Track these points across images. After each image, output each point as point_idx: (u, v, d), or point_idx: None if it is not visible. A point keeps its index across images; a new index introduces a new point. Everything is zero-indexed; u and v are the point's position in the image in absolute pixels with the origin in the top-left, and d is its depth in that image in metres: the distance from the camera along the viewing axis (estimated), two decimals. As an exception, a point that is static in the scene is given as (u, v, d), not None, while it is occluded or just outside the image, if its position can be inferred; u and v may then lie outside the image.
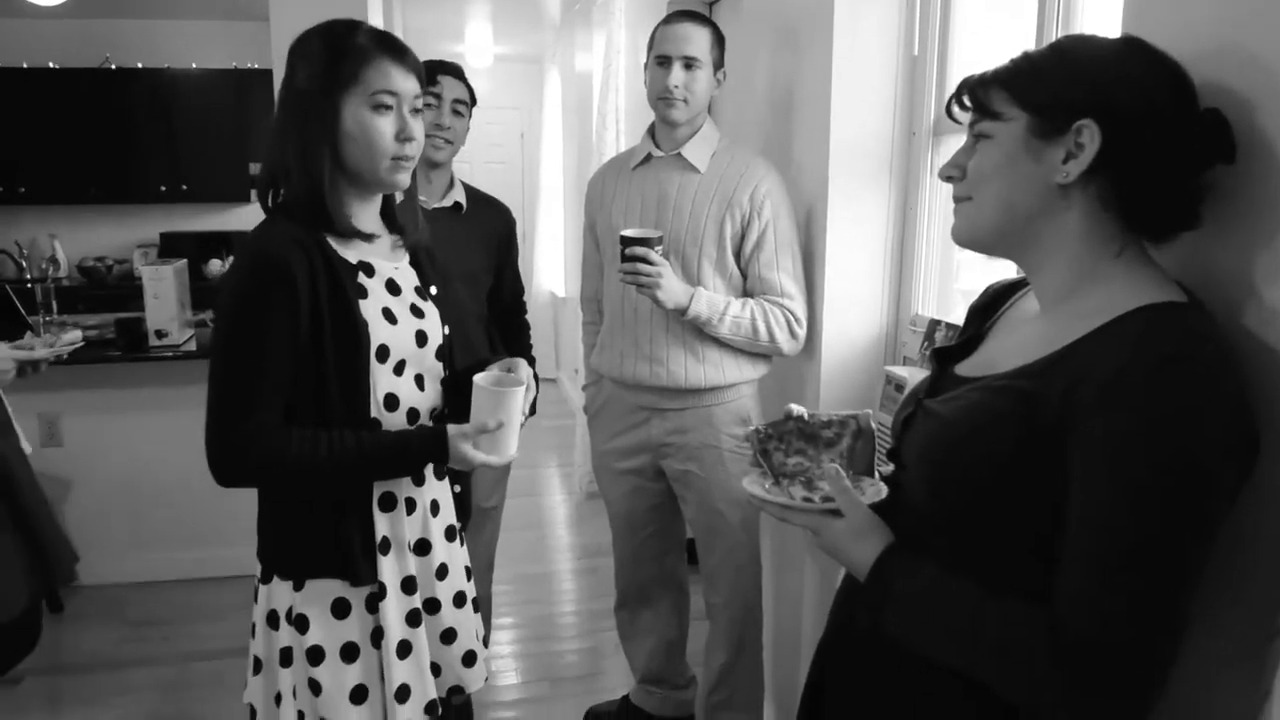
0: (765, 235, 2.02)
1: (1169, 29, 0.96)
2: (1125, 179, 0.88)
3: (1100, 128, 0.86)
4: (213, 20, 5.78)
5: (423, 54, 1.49)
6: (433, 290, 1.52)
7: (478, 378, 1.39)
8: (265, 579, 1.42)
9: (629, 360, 2.13)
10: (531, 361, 2.56)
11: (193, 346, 3.39)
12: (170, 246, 5.53)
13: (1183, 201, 0.89)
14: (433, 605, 1.48)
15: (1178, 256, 0.94)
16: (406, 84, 1.34)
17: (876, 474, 1.17)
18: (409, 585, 1.44)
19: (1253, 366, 0.86)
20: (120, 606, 3.42)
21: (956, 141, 1.05)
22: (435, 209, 2.28)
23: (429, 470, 1.46)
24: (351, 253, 1.39)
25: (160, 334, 3.31)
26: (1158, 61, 0.89)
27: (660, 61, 2.04)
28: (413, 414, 1.43)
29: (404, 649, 1.42)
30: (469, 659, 1.54)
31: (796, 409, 1.14)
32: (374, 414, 1.37)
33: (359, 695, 1.40)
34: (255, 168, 1.42)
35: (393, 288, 1.43)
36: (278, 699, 1.41)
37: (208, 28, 5.82)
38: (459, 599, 1.53)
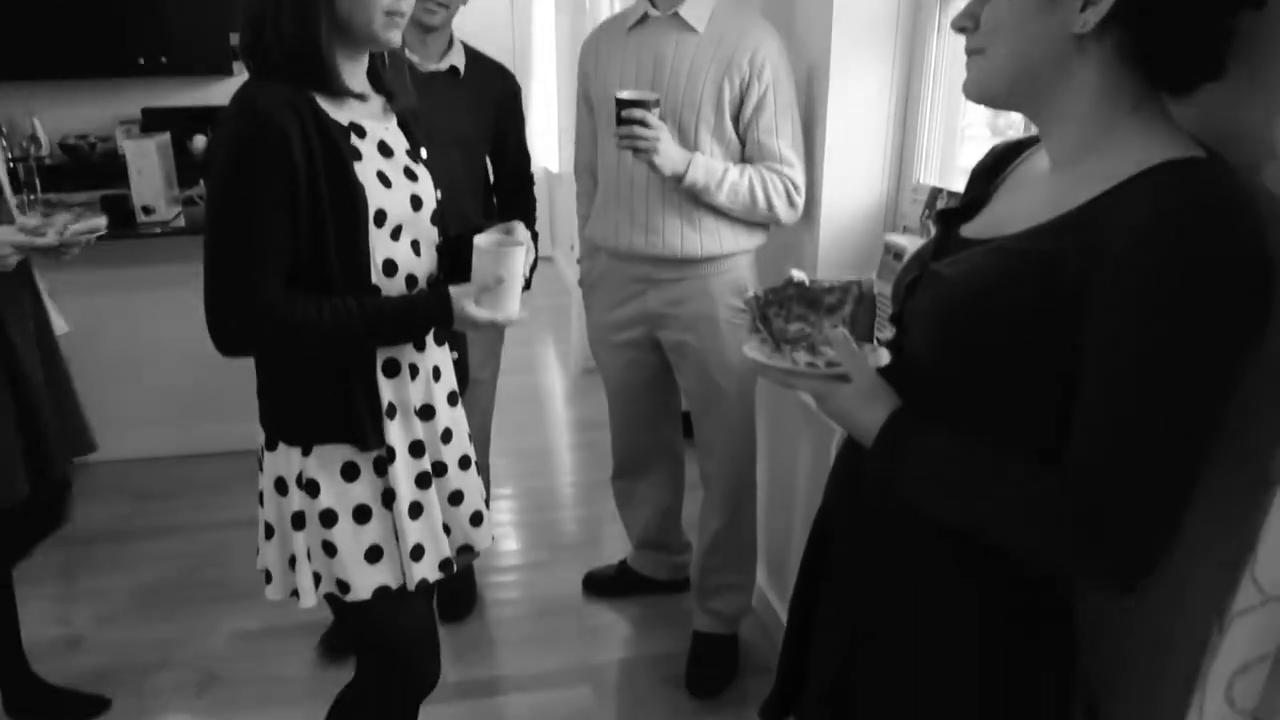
0: (765, 100, 1.96)
1: None
2: (1146, 25, 0.84)
3: None
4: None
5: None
6: (422, 153, 1.49)
7: (478, 239, 1.37)
8: (270, 446, 1.43)
9: (624, 230, 2.10)
10: (534, 236, 2.53)
11: (182, 223, 3.34)
12: (153, 122, 5.35)
13: (1206, 48, 0.85)
14: (440, 468, 1.51)
15: (1196, 113, 0.91)
16: None
17: (875, 339, 1.16)
18: (416, 449, 1.46)
19: (1276, 227, 0.83)
20: (125, 481, 3.48)
21: (966, -3, 1.00)
22: (431, 72, 2.20)
23: (430, 336, 1.47)
24: (342, 114, 1.35)
25: (147, 210, 3.25)
26: None
27: None
28: (411, 280, 1.42)
29: (415, 510, 1.46)
30: (476, 519, 1.58)
31: (797, 274, 1.12)
32: (373, 280, 1.36)
33: (374, 555, 1.43)
34: (237, 38, 1.36)
35: (385, 150, 1.39)
36: (291, 562, 1.44)
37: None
38: (464, 462, 1.56)
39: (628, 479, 2.58)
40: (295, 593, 1.45)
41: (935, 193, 1.82)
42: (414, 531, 1.45)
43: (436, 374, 1.51)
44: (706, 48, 1.97)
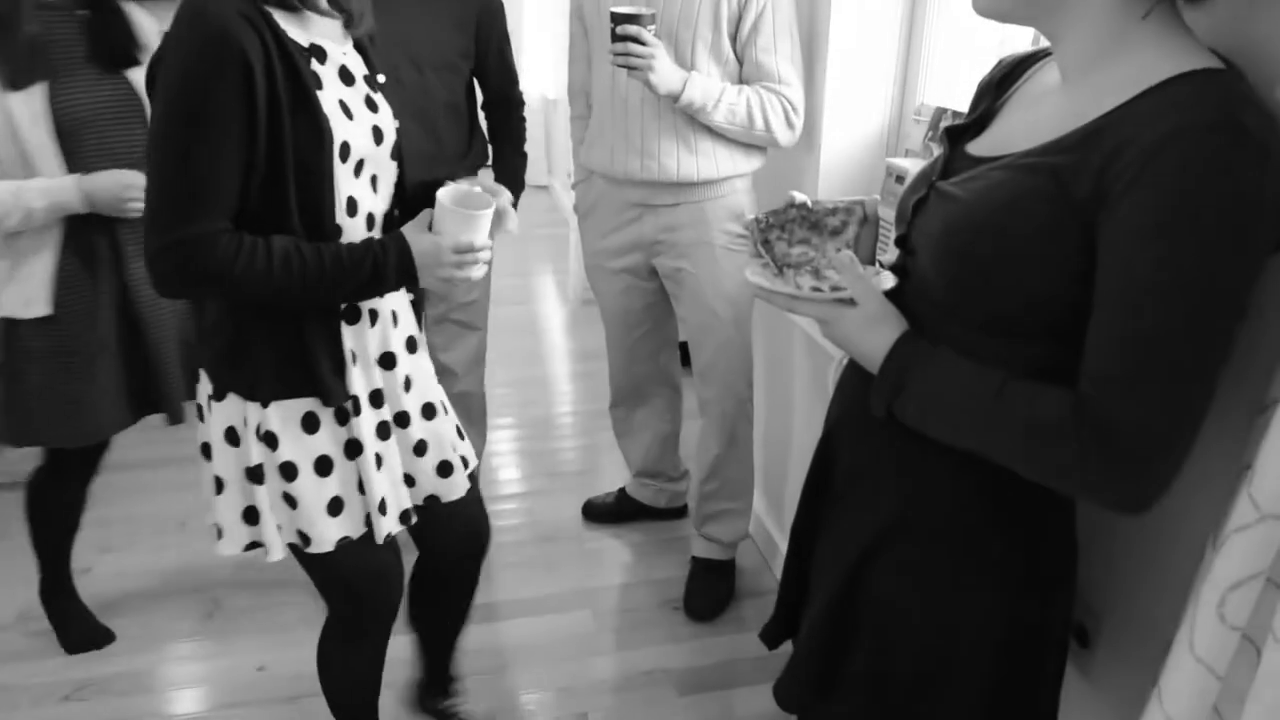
0: (763, 17, 1.90)
1: None
2: None
3: None
4: None
5: None
6: (380, 79, 1.39)
7: (441, 194, 1.29)
8: (219, 396, 1.33)
9: (619, 154, 2.06)
10: (522, 161, 2.47)
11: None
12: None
13: None
14: (402, 419, 1.46)
15: (1210, 24, 0.88)
16: None
17: (877, 263, 1.15)
18: (376, 398, 1.40)
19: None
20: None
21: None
22: None
23: None
24: (302, 33, 1.24)
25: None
26: None
27: None
28: (370, 219, 1.34)
29: (376, 461, 1.40)
30: (444, 469, 1.53)
31: (799, 196, 1.09)
32: (336, 220, 1.27)
33: (335, 507, 1.38)
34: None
35: (346, 77, 1.29)
36: (249, 514, 1.38)
37: None
38: (427, 410, 1.51)
39: (625, 407, 2.59)
40: (252, 545, 1.41)
41: (939, 113, 1.78)
42: (376, 485, 1.40)
43: (395, 319, 1.43)
44: None
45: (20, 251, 1.82)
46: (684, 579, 2.49)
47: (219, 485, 1.38)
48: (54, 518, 2.24)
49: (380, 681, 1.71)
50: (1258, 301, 0.86)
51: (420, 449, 1.50)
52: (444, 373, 2.35)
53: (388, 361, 1.41)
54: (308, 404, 1.34)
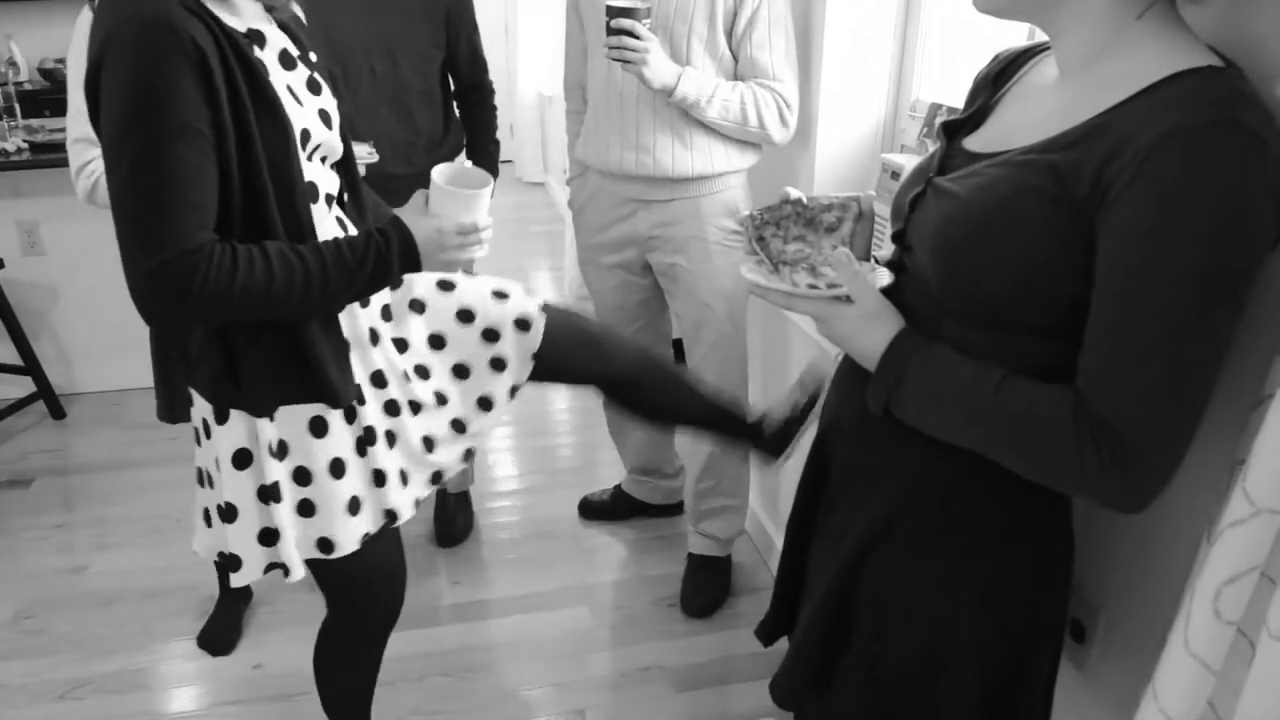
0: (759, 13, 1.90)
1: None
2: None
3: None
4: None
5: None
6: (313, 57, 1.31)
7: (436, 174, 1.26)
8: (221, 419, 1.26)
9: (615, 149, 2.06)
10: (495, 148, 2.49)
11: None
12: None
13: None
14: (420, 372, 1.42)
15: (1209, 21, 0.88)
16: None
17: (872, 259, 1.15)
18: (378, 379, 1.34)
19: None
20: (121, 411, 3.49)
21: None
22: None
23: None
24: (235, 20, 1.15)
25: (131, 136, 3.18)
26: None
27: None
28: (329, 199, 1.28)
29: (391, 439, 1.37)
30: (458, 426, 1.47)
31: (794, 192, 1.09)
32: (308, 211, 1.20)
33: (354, 506, 1.34)
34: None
35: (287, 60, 1.22)
36: (263, 537, 1.32)
37: None
38: (421, 371, 1.43)
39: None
40: (271, 568, 1.35)
41: (935, 109, 1.78)
42: (394, 460, 1.37)
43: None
44: None
45: None
46: (680, 576, 2.50)
47: (230, 513, 1.30)
48: None
49: (375, 682, 1.71)
50: (1253, 296, 0.86)
51: (442, 399, 1.44)
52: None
53: (374, 337, 1.34)
54: (314, 408, 1.28)
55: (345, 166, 1.35)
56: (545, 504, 2.91)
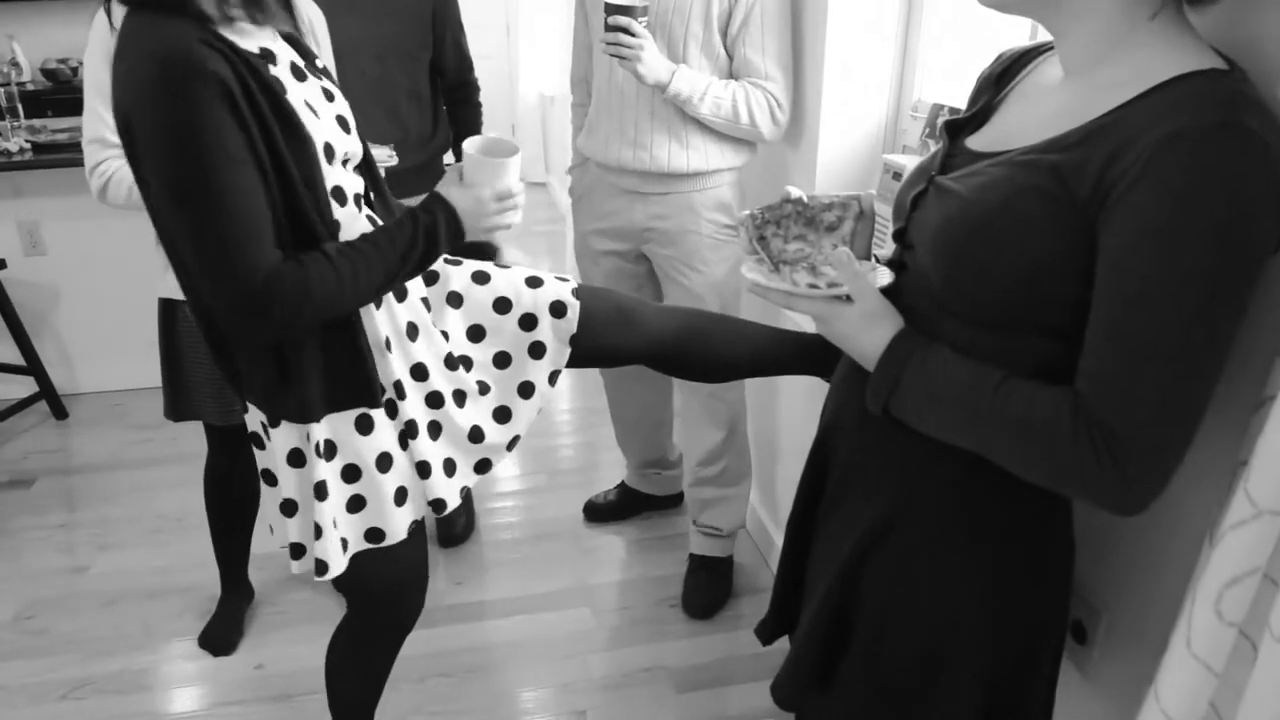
0: (752, 14, 1.95)
1: None
2: None
3: None
4: None
5: None
6: (319, 63, 1.35)
7: (468, 147, 1.30)
8: (274, 423, 1.31)
9: (614, 144, 2.11)
10: None
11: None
12: (135, 45, 5.23)
13: None
14: (461, 362, 1.44)
15: (1213, 23, 0.87)
16: None
17: (873, 258, 1.14)
18: (419, 372, 1.37)
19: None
20: (123, 411, 3.49)
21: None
22: None
23: None
24: (247, 41, 1.18)
25: (133, 136, 3.19)
26: None
27: None
28: (356, 200, 1.32)
29: (435, 430, 1.40)
30: (501, 415, 1.50)
31: (795, 191, 1.08)
32: (335, 216, 1.25)
33: (401, 496, 1.39)
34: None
35: (298, 73, 1.25)
36: (317, 532, 1.36)
37: None
38: (466, 363, 1.46)
39: (618, 394, 2.62)
40: (319, 565, 1.37)
41: (937, 109, 1.78)
42: (438, 450, 1.40)
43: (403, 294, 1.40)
44: None
45: None
46: (682, 576, 2.50)
47: (291, 508, 1.37)
48: (228, 506, 2.27)
49: (384, 685, 1.71)
50: (1255, 298, 0.86)
51: (484, 388, 1.46)
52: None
53: (412, 332, 1.38)
54: (347, 416, 1.33)
55: (367, 166, 1.39)
56: (547, 505, 2.91)
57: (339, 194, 1.27)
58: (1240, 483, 0.82)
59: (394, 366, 1.34)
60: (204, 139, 1.07)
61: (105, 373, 3.65)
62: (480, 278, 1.48)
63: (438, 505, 1.42)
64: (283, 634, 2.32)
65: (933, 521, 1.00)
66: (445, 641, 2.29)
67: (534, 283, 1.50)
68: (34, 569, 2.56)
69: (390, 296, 1.33)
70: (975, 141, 0.98)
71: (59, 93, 5.06)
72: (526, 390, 1.50)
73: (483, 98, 2.60)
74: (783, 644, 1.27)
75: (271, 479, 1.39)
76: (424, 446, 1.38)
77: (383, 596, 1.55)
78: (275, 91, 1.15)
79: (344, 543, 1.38)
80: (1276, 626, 0.79)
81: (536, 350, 1.49)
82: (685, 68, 1.96)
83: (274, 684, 2.17)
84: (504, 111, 7.01)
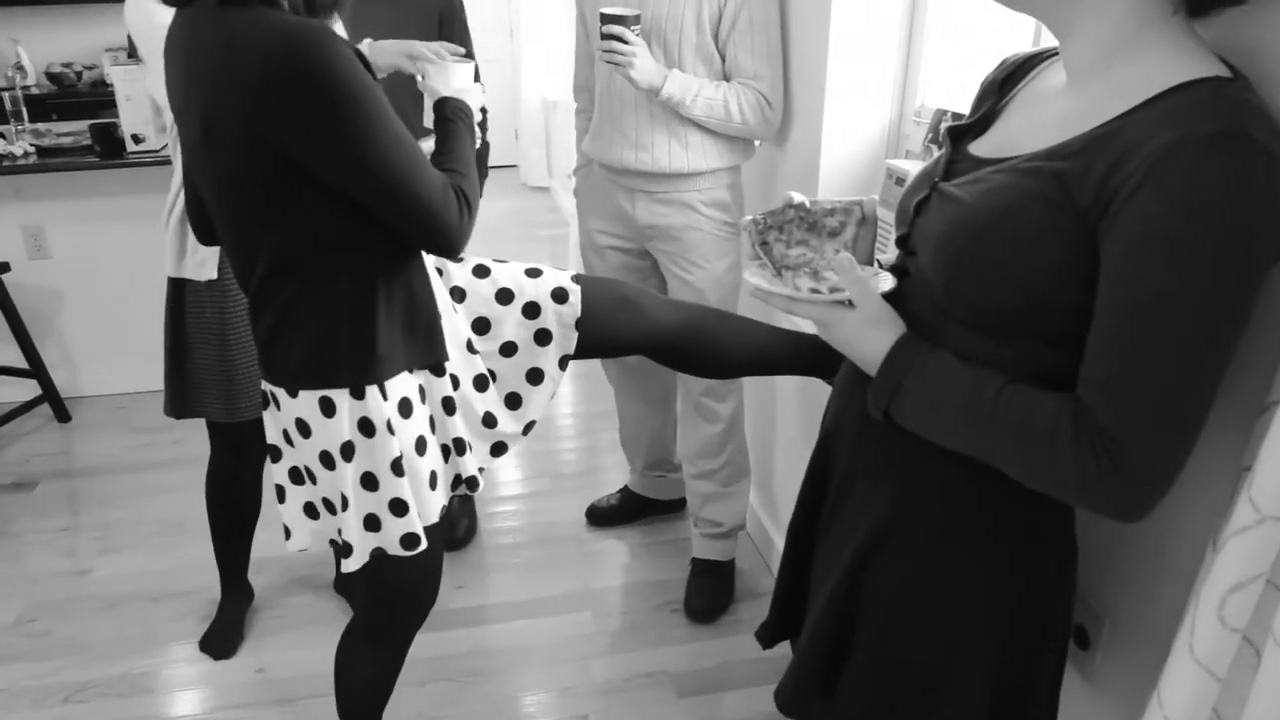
0: (740, 16, 2.01)
1: None
2: None
3: None
4: None
5: None
6: None
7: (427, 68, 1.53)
8: (358, 394, 1.32)
9: (616, 146, 2.17)
10: (485, 148, 2.54)
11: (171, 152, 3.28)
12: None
13: None
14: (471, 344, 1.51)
15: (1216, 31, 0.87)
16: None
17: (876, 263, 1.14)
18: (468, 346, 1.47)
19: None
20: (127, 414, 3.50)
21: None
22: None
23: None
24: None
25: (136, 139, 3.19)
26: None
27: None
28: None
29: (452, 408, 1.44)
30: (512, 401, 1.56)
31: (797, 197, 1.09)
32: None
33: (433, 480, 1.43)
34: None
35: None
36: (372, 522, 1.39)
37: None
38: (480, 325, 1.52)
39: (625, 391, 2.62)
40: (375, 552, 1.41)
41: (940, 115, 1.78)
42: (458, 429, 1.45)
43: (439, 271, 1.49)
44: None
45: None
46: (684, 581, 2.49)
47: (343, 502, 1.38)
48: (229, 508, 2.27)
49: (394, 685, 1.71)
50: (1258, 305, 0.86)
51: (493, 377, 1.53)
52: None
53: (459, 295, 1.48)
54: (403, 389, 1.36)
55: None
56: (549, 509, 2.91)
57: None
58: (1243, 488, 0.82)
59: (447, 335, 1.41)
60: (368, 86, 1.17)
61: (108, 376, 3.66)
62: (481, 271, 1.52)
63: (471, 483, 1.47)
64: (284, 638, 2.32)
65: (935, 525, 1.00)
66: (447, 645, 2.29)
67: (534, 273, 1.55)
68: (36, 572, 2.56)
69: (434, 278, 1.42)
70: (979, 147, 0.99)
71: (63, 96, 5.10)
72: (536, 376, 1.54)
73: (487, 102, 2.61)
74: (785, 649, 1.27)
75: (309, 477, 1.41)
76: (452, 425, 1.43)
77: (403, 591, 1.56)
78: (366, 60, 1.24)
79: (369, 520, 1.39)
80: (1280, 632, 0.78)
81: (542, 337, 1.53)
82: (677, 72, 2.03)
83: (276, 688, 2.16)
84: (507, 116, 7.03)
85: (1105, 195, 0.79)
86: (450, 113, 1.45)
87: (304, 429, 1.37)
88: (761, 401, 2.55)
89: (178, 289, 2.06)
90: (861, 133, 2.02)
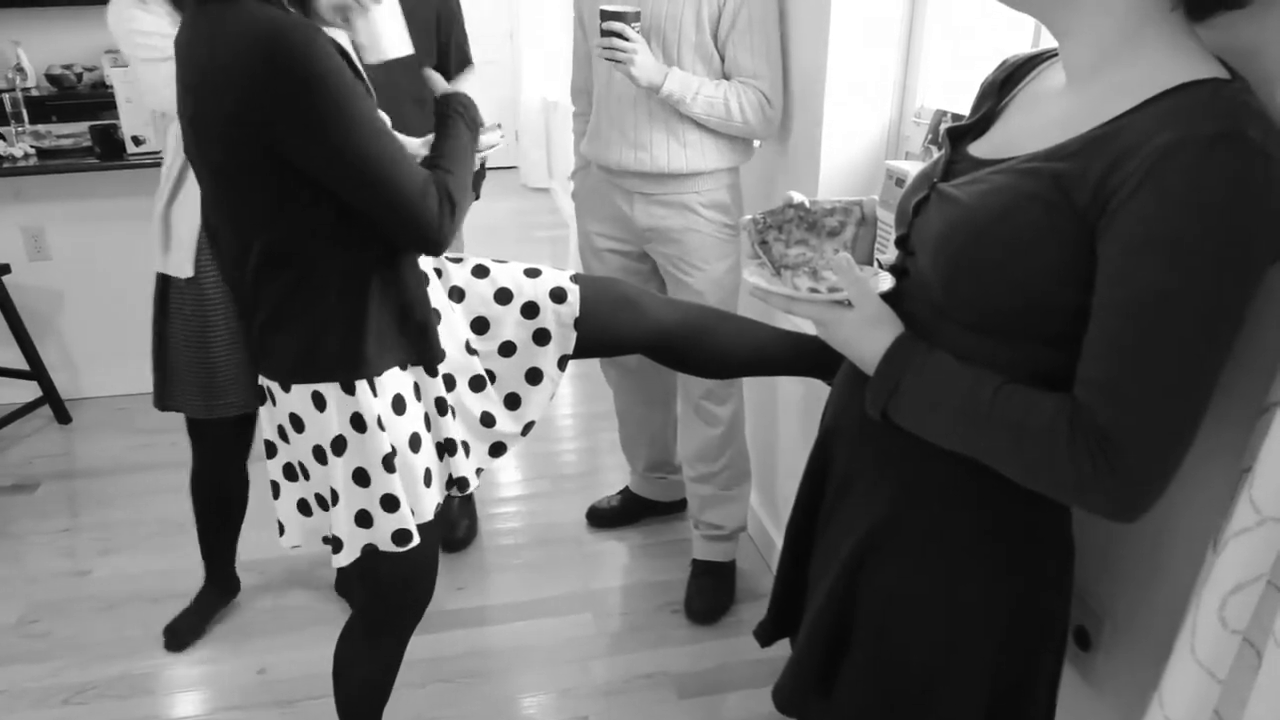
0: (739, 15, 2.01)
1: None
2: None
3: None
4: None
5: None
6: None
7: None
8: (349, 389, 1.33)
9: (615, 147, 2.16)
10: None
11: (172, 154, 3.28)
12: (139, 51, 5.24)
13: None
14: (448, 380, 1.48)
15: (1215, 32, 0.87)
16: None
17: (875, 263, 1.14)
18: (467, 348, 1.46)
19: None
20: (127, 416, 3.50)
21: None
22: None
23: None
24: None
25: (137, 140, 3.20)
26: None
27: None
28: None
29: (448, 409, 1.44)
30: (511, 401, 1.55)
31: (796, 196, 1.09)
32: None
33: (428, 477, 1.42)
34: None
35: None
36: (363, 518, 1.39)
37: None
38: (479, 324, 1.52)
39: (625, 392, 2.62)
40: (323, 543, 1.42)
41: (939, 116, 1.78)
42: (456, 430, 1.45)
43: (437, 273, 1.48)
44: None
45: (176, 219, 2.03)
46: (684, 582, 2.49)
47: (332, 496, 1.39)
48: (212, 505, 2.29)
49: (394, 684, 1.71)
50: (1257, 305, 0.86)
51: (493, 376, 1.52)
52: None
53: (436, 316, 1.44)
54: (396, 385, 1.36)
55: None
56: (549, 510, 2.91)
57: None
58: (1244, 490, 0.82)
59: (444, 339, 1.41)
60: (346, 80, 1.18)
61: (109, 377, 3.66)
62: (480, 272, 1.52)
63: (462, 484, 1.47)
64: (285, 639, 2.32)
65: (933, 525, 1.00)
66: (446, 647, 2.29)
67: (532, 273, 1.55)
68: (37, 573, 2.56)
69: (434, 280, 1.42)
70: (978, 148, 0.99)
71: (63, 98, 5.09)
72: (535, 376, 1.54)
73: (486, 103, 2.61)
74: (785, 649, 1.27)
75: (302, 473, 1.41)
76: (446, 424, 1.43)
77: (398, 587, 1.55)
78: (358, 69, 1.26)
79: (361, 516, 1.39)
80: (1280, 633, 0.78)
81: (541, 337, 1.53)
82: (677, 70, 2.02)
83: (276, 689, 2.16)
84: (507, 117, 7.03)
85: (1103, 195, 0.79)
86: (450, 109, 1.44)
87: (298, 424, 1.38)
88: (762, 402, 2.55)
89: (164, 283, 2.08)
90: (861, 134, 2.02)
